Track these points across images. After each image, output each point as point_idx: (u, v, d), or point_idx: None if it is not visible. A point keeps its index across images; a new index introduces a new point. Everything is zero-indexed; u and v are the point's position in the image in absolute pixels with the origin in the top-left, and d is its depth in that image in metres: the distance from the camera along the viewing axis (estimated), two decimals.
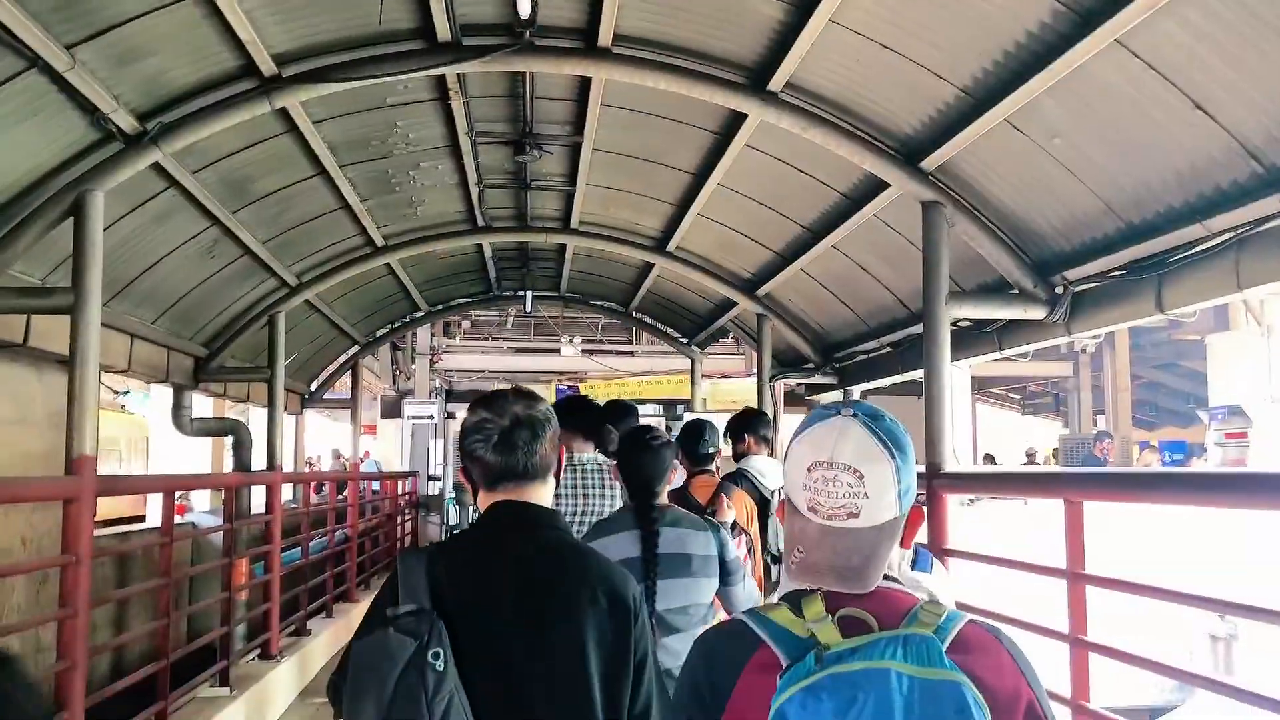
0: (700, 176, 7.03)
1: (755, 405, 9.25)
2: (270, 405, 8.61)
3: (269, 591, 8.25)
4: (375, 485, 16.75)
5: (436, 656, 1.83)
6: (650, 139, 6.71)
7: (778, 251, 7.91)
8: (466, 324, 28.12)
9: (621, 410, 4.51)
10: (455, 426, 22.84)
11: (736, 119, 5.85)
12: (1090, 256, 5.01)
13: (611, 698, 1.97)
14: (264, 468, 8.56)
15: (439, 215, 8.56)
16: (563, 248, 10.05)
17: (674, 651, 3.10)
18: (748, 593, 3.46)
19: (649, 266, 10.01)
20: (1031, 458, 19.79)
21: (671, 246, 8.74)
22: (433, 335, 23.13)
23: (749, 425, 5.21)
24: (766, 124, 5.57)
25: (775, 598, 1.56)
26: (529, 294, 11.14)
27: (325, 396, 14.11)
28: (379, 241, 8.67)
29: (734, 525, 4.11)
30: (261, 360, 8.74)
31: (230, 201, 6.58)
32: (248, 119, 5.15)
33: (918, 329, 7.02)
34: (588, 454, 4.08)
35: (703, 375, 13.07)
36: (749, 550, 4.28)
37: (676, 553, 3.24)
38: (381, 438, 28.58)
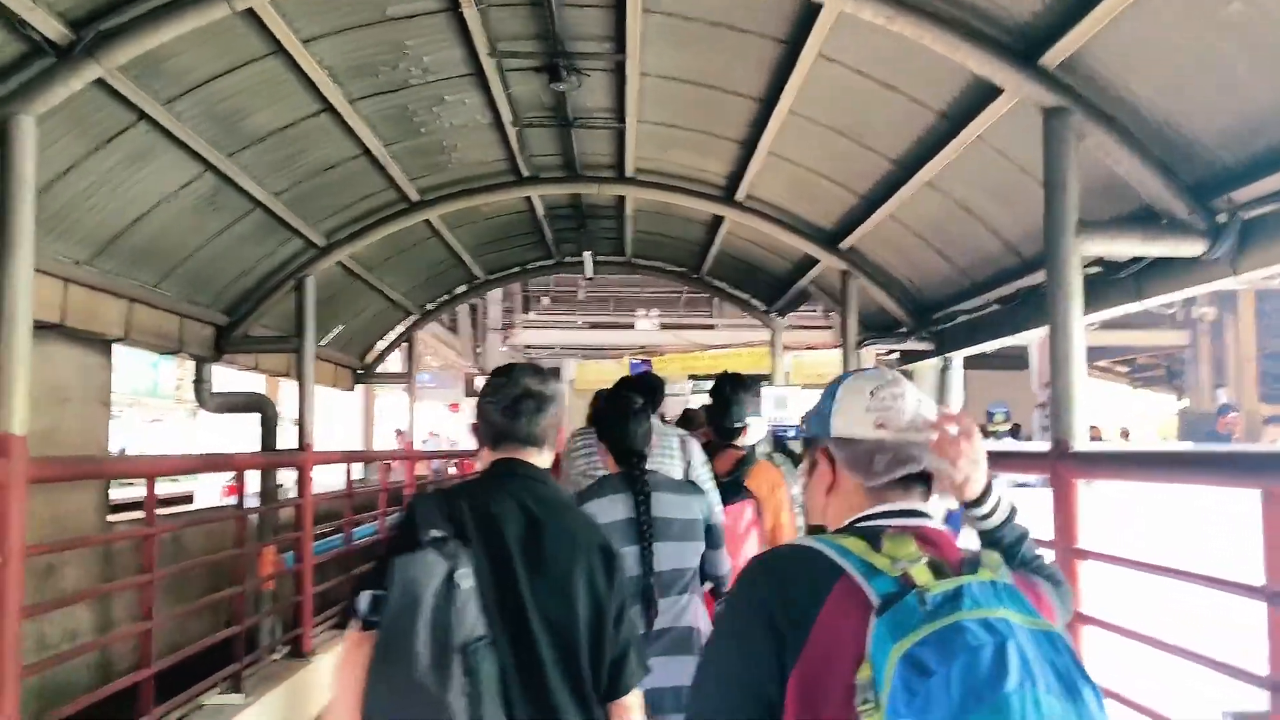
0: (768, 103, 5.94)
1: None
2: (300, 378, 7.80)
3: (300, 583, 7.47)
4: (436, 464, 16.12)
5: (464, 577, 2.10)
6: (706, 57, 5.65)
7: (861, 194, 6.78)
8: (546, 299, 27.56)
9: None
10: None
11: (807, 18, 4.77)
12: (1269, 170, 3.84)
13: (595, 638, 2.24)
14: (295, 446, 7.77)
15: (477, 164, 7.61)
16: (620, 202, 9.04)
17: (664, 614, 3.28)
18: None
19: (717, 222, 8.95)
20: (1125, 436, 18.30)
21: (740, 194, 7.67)
22: (506, 310, 22.45)
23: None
24: (844, 18, 4.48)
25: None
26: (587, 256, 10.15)
27: (391, 371, 13.39)
28: (413, 196, 7.77)
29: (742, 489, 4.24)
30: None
31: (223, 141, 5.72)
32: (208, 24, 4.25)
33: (1032, 279, 5.88)
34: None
35: (785, 347, 11.96)
36: (757, 514, 4.32)
37: (662, 516, 3.33)
38: (465, 416, 28.17)
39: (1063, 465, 3.91)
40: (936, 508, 2.52)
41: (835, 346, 17.03)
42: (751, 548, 4.24)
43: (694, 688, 1.55)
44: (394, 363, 13.50)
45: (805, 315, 20.21)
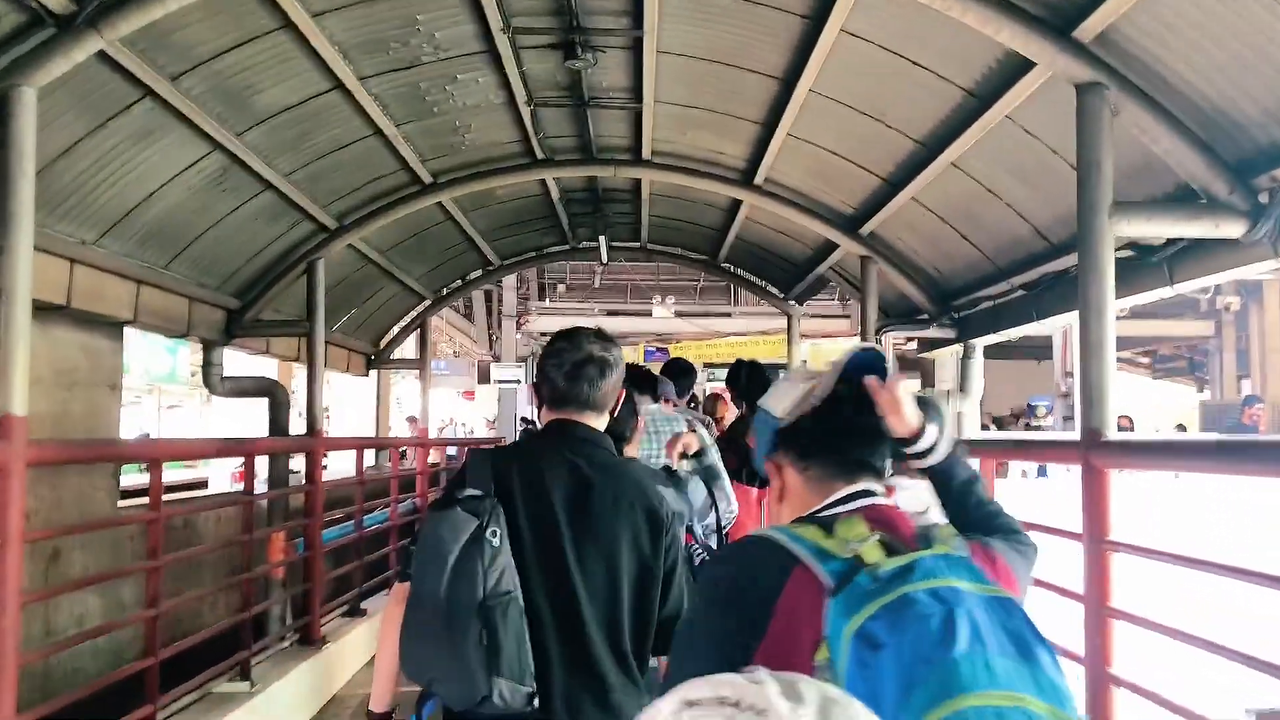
0: (788, 82, 5.79)
1: None
2: (310, 363, 7.70)
3: (310, 570, 7.38)
4: (451, 451, 16.02)
5: (494, 535, 2.16)
6: (725, 33, 5.50)
7: (884, 177, 6.62)
8: (562, 287, 27.44)
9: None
10: None
11: None
12: None
13: (640, 597, 2.28)
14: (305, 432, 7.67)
15: (490, 145, 7.48)
16: (637, 186, 8.89)
17: None
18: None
19: (735, 206, 8.80)
20: (1126, 427, 18.02)
21: (759, 178, 7.52)
22: (522, 298, 22.32)
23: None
24: None
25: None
26: (603, 240, 10.00)
27: (404, 358, 13.29)
28: (426, 178, 7.65)
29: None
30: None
31: (232, 119, 5.61)
32: None
33: (1059, 264, 5.73)
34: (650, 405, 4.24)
35: (802, 335, 11.80)
36: None
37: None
38: (479, 403, 28.11)
39: (1095, 455, 3.77)
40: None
41: (853, 335, 16.87)
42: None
43: (666, 678, 1.61)
44: (409, 349, 13.40)
45: (822, 304, 20.04)
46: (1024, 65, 4.42)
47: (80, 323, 6.51)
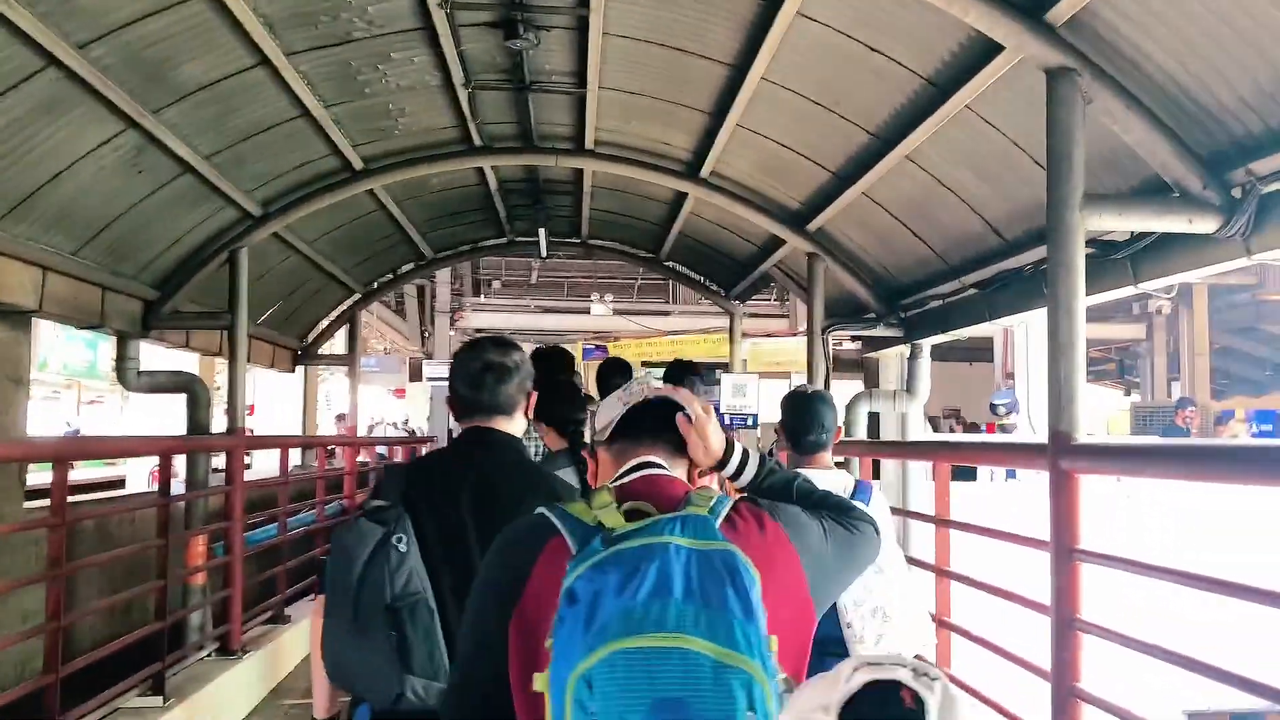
0: (740, 68, 5.56)
1: (805, 366, 7.83)
2: (231, 358, 7.30)
3: (229, 576, 6.99)
4: (382, 450, 15.59)
5: (400, 540, 2.28)
6: (676, 15, 5.24)
7: (834, 171, 6.42)
8: (498, 283, 27.03)
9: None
10: None
11: None
12: None
13: None
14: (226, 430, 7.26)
15: (425, 130, 7.15)
16: (578, 178, 8.62)
17: None
18: None
19: (680, 201, 8.56)
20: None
21: (705, 171, 7.28)
22: (456, 293, 21.90)
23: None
24: None
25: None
26: (542, 233, 9.71)
27: (333, 354, 12.83)
28: (357, 164, 7.29)
29: None
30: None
31: (147, 95, 5.21)
32: None
33: (1014, 262, 5.57)
34: None
35: (743, 334, 11.63)
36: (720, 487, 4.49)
37: None
38: (410, 401, 27.55)
39: (1064, 459, 3.59)
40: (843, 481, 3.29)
41: (793, 334, 16.78)
42: None
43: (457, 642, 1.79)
44: (339, 344, 12.96)
45: (760, 302, 19.92)
46: (989, 51, 4.23)
47: None
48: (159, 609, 5.78)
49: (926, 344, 7.38)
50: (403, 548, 2.27)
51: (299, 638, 8.31)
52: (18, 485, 6.79)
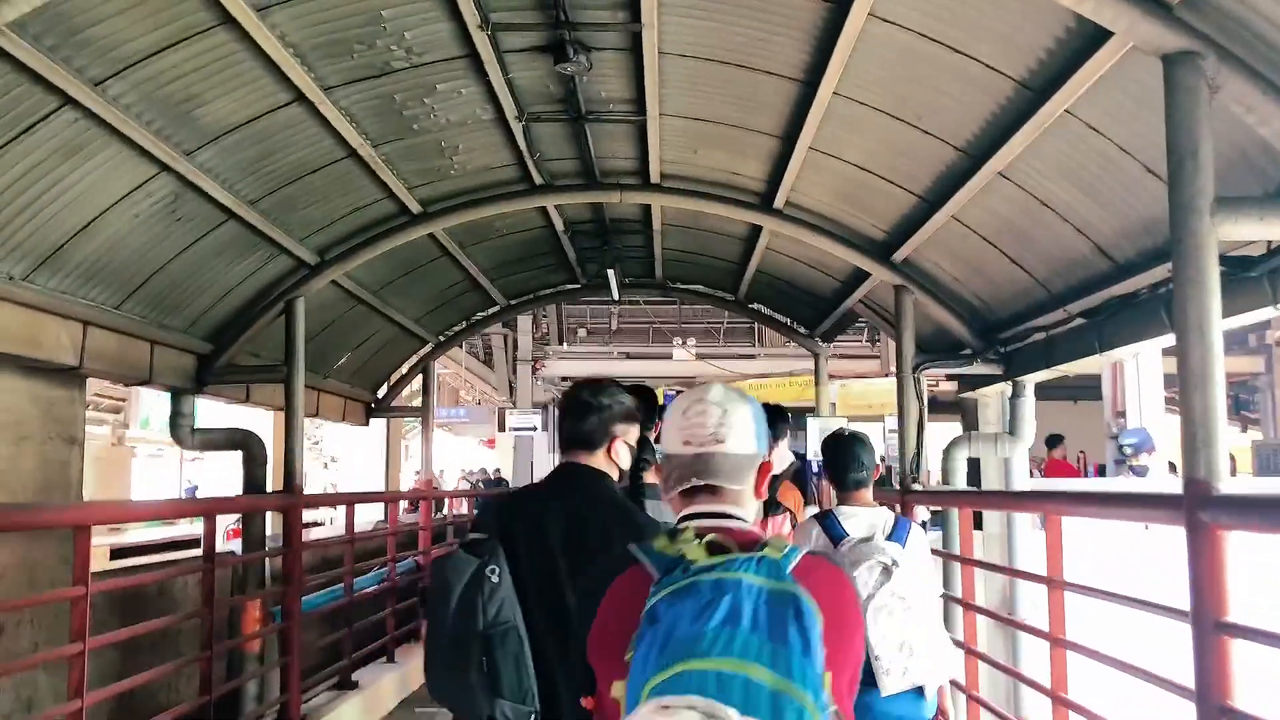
0: (809, 84, 5.08)
1: (896, 407, 7.24)
2: (288, 411, 7.01)
3: (287, 642, 6.63)
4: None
5: (494, 571, 2.45)
6: (735, 26, 4.79)
7: (919, 194, 5.87)
8: (583, 331, 26.86)
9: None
10: None
11: None
12: None
13: None
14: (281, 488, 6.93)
15: (483, 170, 6.80)
16: (647, 215, 8.20)
17: None
18: None
19: (755, 235, 8.08)
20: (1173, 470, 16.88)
21: (779, 201, 6.79)
22: (541, 342, 21.70)
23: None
24: None
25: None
26: (611, 274, 9.30)
27: (410, 405, 12.59)
28: (414, 207, 6.98)
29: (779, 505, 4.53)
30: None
31: (176, 136, 4.94)
32: None
33: (1125, 286, 4.95)
34: None
35: (830, 375, 11.04)
36: (794, 526, 4.51)
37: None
38: (500, 451, 27.41)
39: (1204, 513, 2.97)
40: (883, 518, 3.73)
41: (884, 375, 16.06)
42: None
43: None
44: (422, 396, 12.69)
45: (850, 342, 19.23)
46: (1092, 41, 3.67)
47: (27, 370, 5.84)
48: (205, 681, 5.44)
49: (1030, 381, 6.72)
50: (495, 578, 2.44)
51: (367, 705, 7.92)
52: (70, 549, 6.55)
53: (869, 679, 3.46)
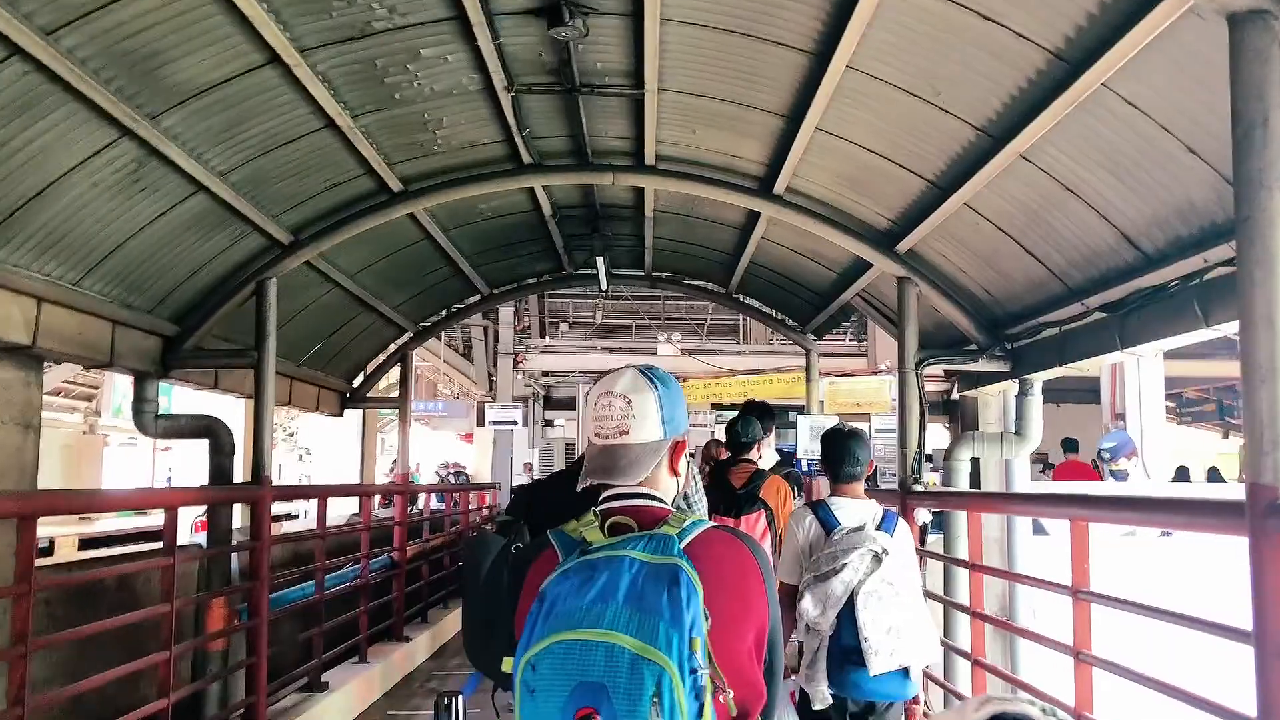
0: (821, 55, 4.75)
1: (884, 407, 6.94)
2: (258, 399, 6.63)
3: (254, 642, 6.27)
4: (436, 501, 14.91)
5: (517, 548, 2.61)
6: None
7: (931, 179, 5.56)
8: (565, 325, 26.49)
9: None
10: (554, 434, 20.98)
11: None
12: None
13: None
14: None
15: (468, 146, 6.43)
16: (639, 201, 7.86)
17: None
18: None
19: (751, 225, 7.76)
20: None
21: (780, 186, 6.46)
22: (523, 336, 21.33)
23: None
24: None
25: None
26: (600, 261, 8.95)
27: (386, 396, 12.18)
28: (394, 185, 6.61)
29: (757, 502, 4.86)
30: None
31: (139, 97, 4.56)
32: None
33: (1152, 279, 4.65)
34: None
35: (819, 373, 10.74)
36: (769, 523, 4.83)
37: None
38: (479, 446, 27.02)
39: (1274, 521, 2.66)
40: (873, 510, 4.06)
41: (874, 373, 15.80)
42: None
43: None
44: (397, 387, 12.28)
45: (834, 341, 18.95)
46: (1142, 4, 3.36)
47: None
48: (163, 683, 5.07)
49: (1038, 379, 6.43)
50: None
51: (338, 708, 7.55)
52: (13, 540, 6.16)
53: (858, 659, 3.76)
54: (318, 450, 21.49)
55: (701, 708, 1.56)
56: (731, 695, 1.62)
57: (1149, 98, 3.91)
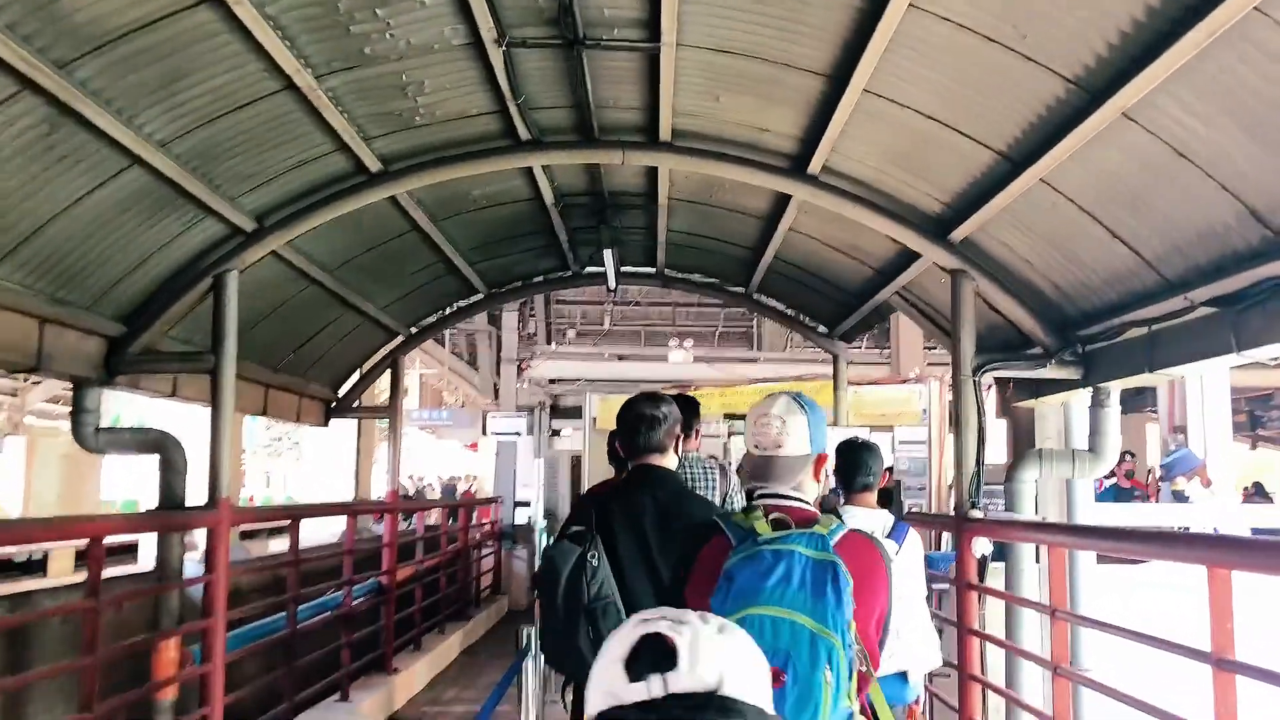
0: (874, 4, 3.89)
1: (912, 418, 6.06)
2: (215, 408, 5.77)
3: (206, 689, 5.40)
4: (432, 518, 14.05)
5: (594, 557, 3.04)
6: None
7: (1001, 150, 4.67)
8: (572, 332, 25.72)
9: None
10: (561, 445, 20.16)
11: None
12: None
13: None
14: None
15: (456, 118, 5.57)
16: (652, 188, 6.99)
17: None
18: None
19: (777, 212, 6.88)
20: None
21: (815, 165, 5.59)
22: (529, 342, 20.51)
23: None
24: None
25: None
26: (608, 255, 8.07)
27: (376, 405, 11.29)
28: (372, 164, 5.76)
29: None
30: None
31: (43, 40, 3.70)
32: None
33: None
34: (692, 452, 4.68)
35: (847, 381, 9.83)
36: None
37: None
38: (484, 456, 26.23)
39: None
40: (883, 519, 4.22)
41: (901, 381, 14.87)
42: None
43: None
44: (412, 398, 11.40)
45: (853, 347, 18.04)
46: None
47: None
48: None
49: (1115, 387, 5.53)
50: (595, 562, 3.04)
51: None
52: None
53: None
54: (322, 462, 20.67)
55: (852, 674, 2.15)
56: (870, 666, 2.23)
57: None
